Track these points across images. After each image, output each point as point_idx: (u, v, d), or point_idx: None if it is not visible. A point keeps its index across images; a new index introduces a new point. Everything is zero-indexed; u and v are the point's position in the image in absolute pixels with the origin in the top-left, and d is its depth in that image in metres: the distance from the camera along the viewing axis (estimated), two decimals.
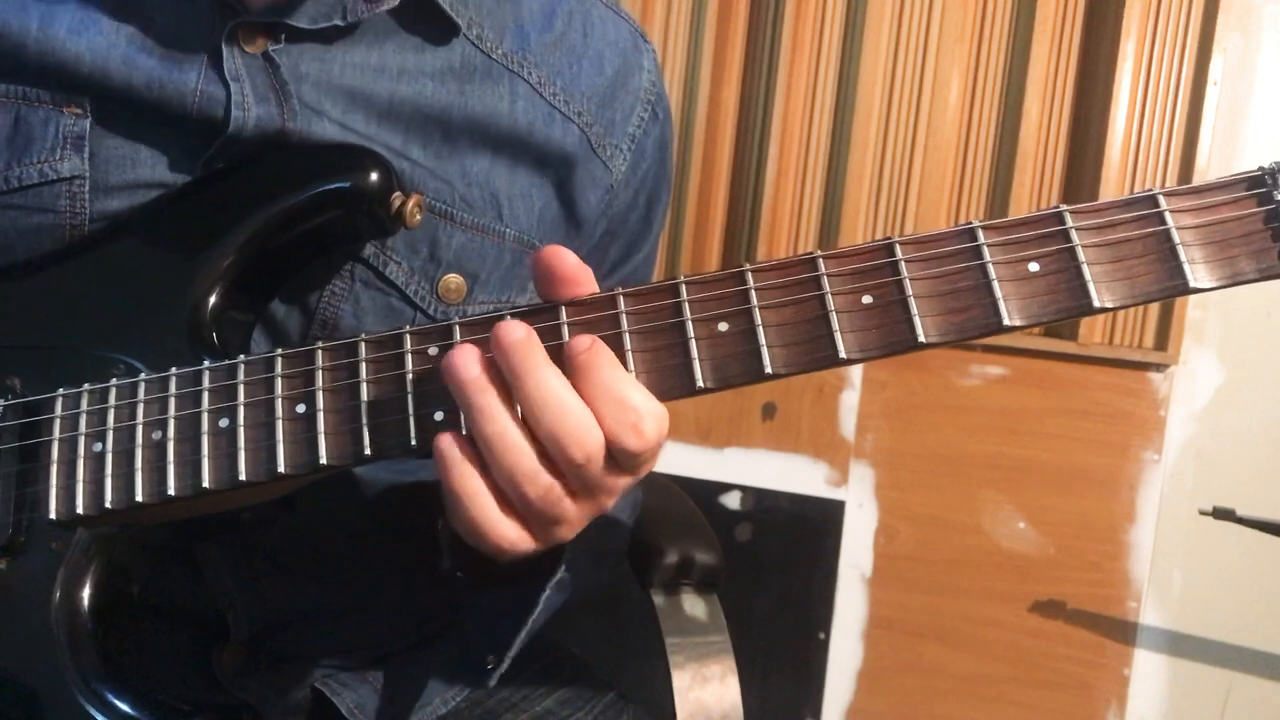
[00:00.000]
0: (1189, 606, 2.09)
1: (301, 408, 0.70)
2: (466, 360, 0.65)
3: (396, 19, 0.86)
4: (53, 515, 0.74)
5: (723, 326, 0.65)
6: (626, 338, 0.66)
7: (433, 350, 0.68)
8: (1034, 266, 0.62)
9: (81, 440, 0.74)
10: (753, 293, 0.65)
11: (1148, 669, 2.10)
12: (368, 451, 0.68)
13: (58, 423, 0.75)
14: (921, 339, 0.63)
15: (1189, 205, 0.62)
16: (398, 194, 0.79)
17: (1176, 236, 0.61)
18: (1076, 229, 0.62)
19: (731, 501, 2.22)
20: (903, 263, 0.64)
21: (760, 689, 2.20)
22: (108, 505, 0.72)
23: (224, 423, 0.71)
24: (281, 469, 0.69)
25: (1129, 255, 0.61)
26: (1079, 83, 2.03)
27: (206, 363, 0.73)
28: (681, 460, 2.20)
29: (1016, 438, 2.10)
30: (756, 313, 0.65)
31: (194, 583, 0.88)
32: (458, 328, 0.68)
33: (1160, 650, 2.10)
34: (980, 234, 0.63)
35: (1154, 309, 2.02)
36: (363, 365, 0.69)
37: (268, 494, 0.75)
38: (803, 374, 0.64)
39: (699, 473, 2.20)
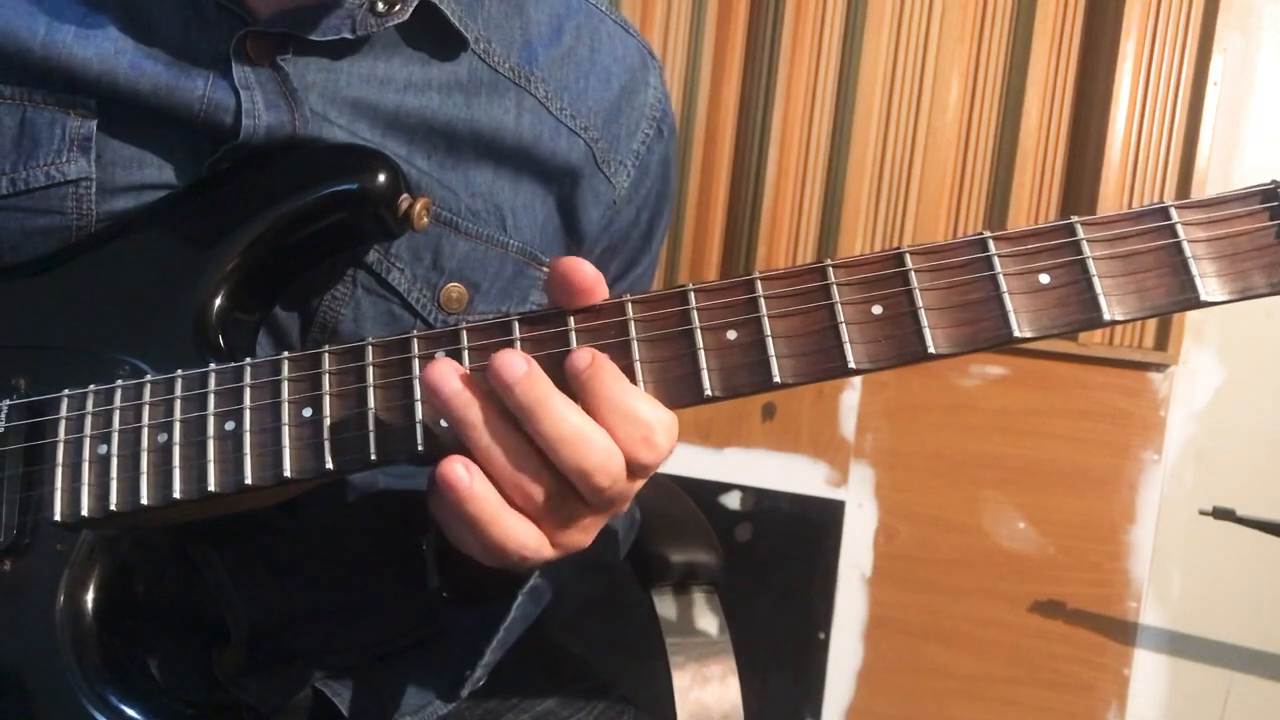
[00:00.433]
0: (1189, 606, 2.09)
1: (308, 412, 0.70)
2: (445, 374, 0.64)
3: (403, 34, 0.85)
4: (57, 517, 0.73)
5: (731, 335, 0.65)
6: (634, 346, 0.66)
7: (439, 355, 0.68)
8: (1045, 278, 0.62)
9: (86, 442, 0.74)
10: (762, 301, 0.65)
11: (1148, 669, 2.10)
12: (374, 457, 0.68)
13: (63, 424, 0.75)
14: (932, 350, 0.62)
15: (1201, 218, 0.61)
16: (405, 196, 0.79)
17: (1188, 249, 0.61)
18: (1088, 240, 0.62)
19: (731, 501, 2.22)
20: (913, 273, 0.63)
21: (760, 689, 2.20)
22: (112, 508, 0.72)
23: (230, 426, 0.71)
24: (288, 473, 0.69)
25: (1140, 268, 0.61)
26: (1079, 83, 2.03)
27: (212, 365, 0.73)
28: (681, 460, 2.19)
29: (1016, 438, 2.10)
30: (765, 322, 0.64)
31: (193, 584, 0.88)
32: (465, 333, 0.68)
33: (1160, 650, 2.10)
34: (991, 245, 0.63)
35: None
36: (369, 370, 0.69)
37: (273, 497, 0.74)
38: (811, 383, 0.64)
39: (699, 473, 2.20)
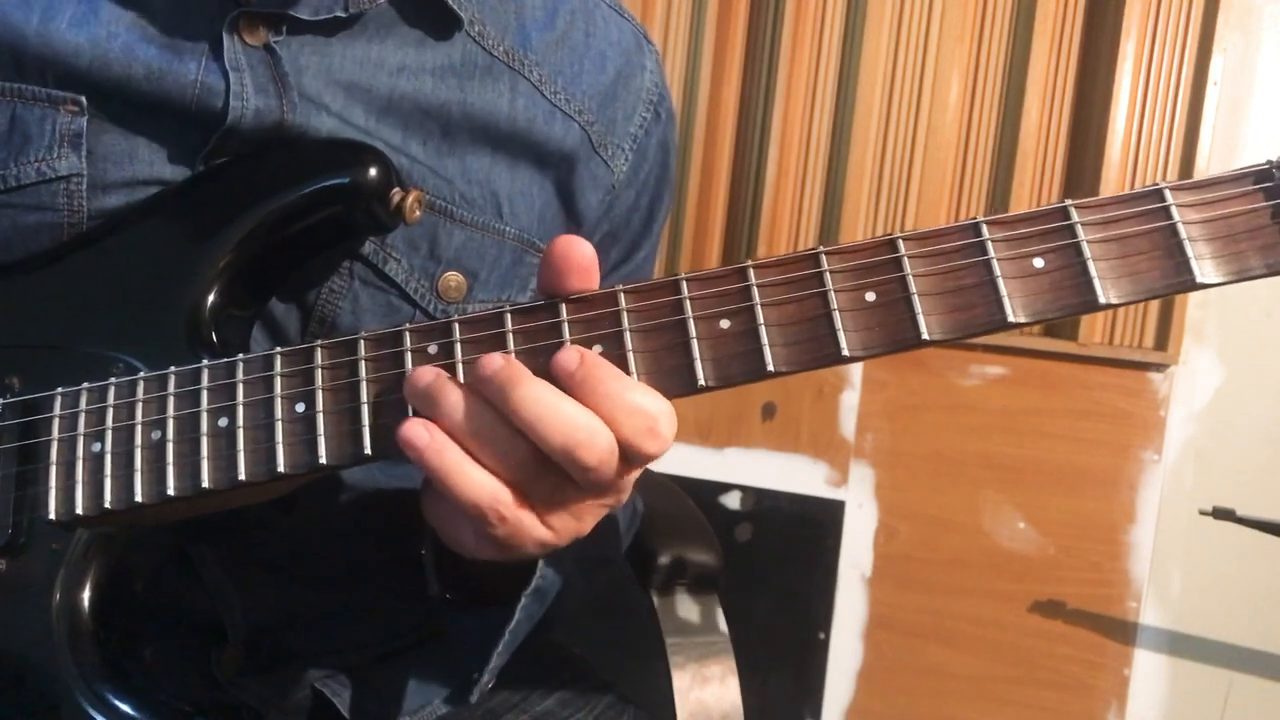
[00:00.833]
0: (1189, 606, 2.09)
1: (301, 407, 0.69)
2: (420, 373, 0.65)
3: (399, 11, 0.85)
4: (52, 516, 0.73)
5: (724, 324, 0.64)
6: (627, 336, 0.65)
7: (433, 349, 0.67)
8: (1039, 263, 0.62)
9: (80, 440, 0.73)
10: (755, 290, 0.64)
11: (1148, 669, 2.10)
12: (368, 451, 0.68)
13: (56, 422, 0.75)
14: (925, 336, 0.62)
15: (1195, 200, 0.61)
16: (397, 190, 0.78)
17: (1183, 231, 0.60)
18: (1082, 224, 0.62)
19: (731, 501, 2.22)
20: (906, 259, 0.63)
21: (760, 689, 2.19)
22: (107, 505, 0.72)
23: (223, 422, 0.71)
24: (281, 469, 0.69)
25: (1135, 251, 0.61)
26: (1079, 83, 2.03)
27: (205, 361, 0.72)
28: (681, 460, 2.19)
29: (1016, 438, 2.10)
30: (759, 310, 0.64)
31: (192, 583, 0.88)
32: (457, 325, 0.68)
33: (1160, 650, 2.10)
34: (984, 229, 0.63)
35: (1154, 308, 2.02)
36: (362, 364, 0.69)
37: (267, 494, 0.74)
38: (805, 372, 0.64)
39: (699, 473, 2.20)
